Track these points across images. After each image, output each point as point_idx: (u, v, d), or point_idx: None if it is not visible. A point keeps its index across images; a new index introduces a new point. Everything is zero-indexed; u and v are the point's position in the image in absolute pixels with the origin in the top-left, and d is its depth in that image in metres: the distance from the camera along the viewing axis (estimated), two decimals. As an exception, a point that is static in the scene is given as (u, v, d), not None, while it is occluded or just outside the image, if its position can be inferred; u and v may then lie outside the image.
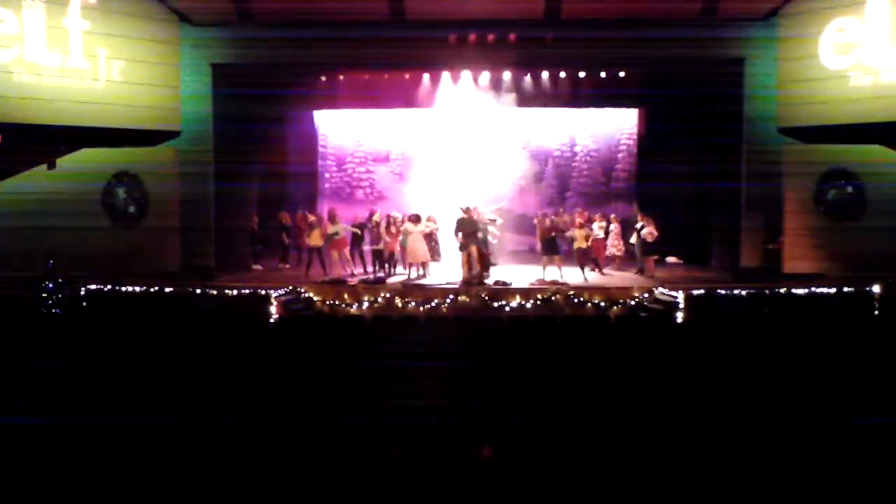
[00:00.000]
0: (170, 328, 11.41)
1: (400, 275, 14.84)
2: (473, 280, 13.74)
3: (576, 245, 14.78)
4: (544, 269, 14.20)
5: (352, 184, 19.90)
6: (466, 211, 14.24)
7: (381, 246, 14.73)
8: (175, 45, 15.05)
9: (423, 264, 14.60)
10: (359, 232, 15.12)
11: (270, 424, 6.21)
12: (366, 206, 17.96)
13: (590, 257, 14.87)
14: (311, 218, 15.87)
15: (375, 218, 15.08)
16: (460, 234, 13.93)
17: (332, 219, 15.05)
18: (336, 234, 14.75)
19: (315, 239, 14.98)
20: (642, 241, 14.90)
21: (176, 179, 14.97)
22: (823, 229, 14.59)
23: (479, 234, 14.13)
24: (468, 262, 13.87)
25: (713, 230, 16.58)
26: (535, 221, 15.05)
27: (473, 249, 13.88)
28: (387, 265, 14.82)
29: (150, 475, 5.24)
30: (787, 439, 5.80)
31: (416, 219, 14.48)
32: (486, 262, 14.19)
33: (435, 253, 15.37)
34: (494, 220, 15.13)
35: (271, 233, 16.88)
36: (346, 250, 15.01)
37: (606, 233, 15.89)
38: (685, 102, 16.44)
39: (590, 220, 15.92)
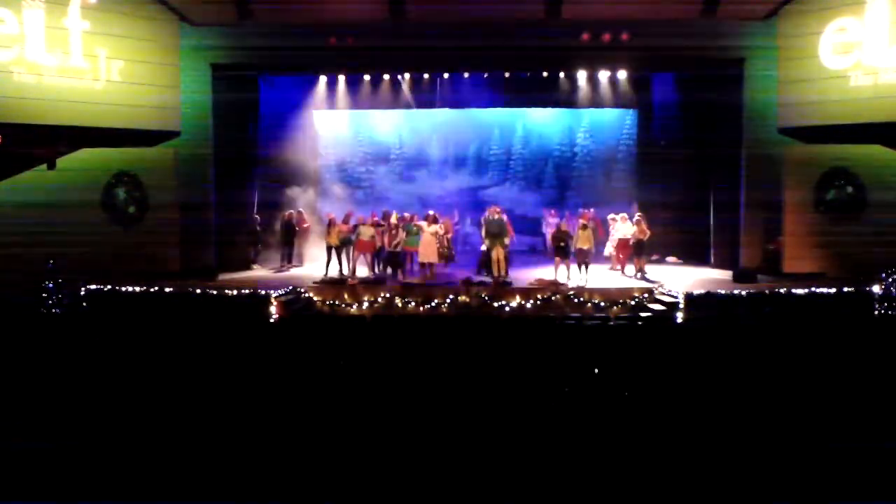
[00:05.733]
0: (166, 331, 11.34)
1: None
2: (499, 280, 13.80)
3: (577, 245, 14.70)
4: (556, 269, 14.35)
5: (352, 184, 19.89)
6: (494, 212, 14.38)
7: (398, 248, 14.75)
8: (175, 45, 15.04)
9: (432, 265, 14.66)
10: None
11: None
12: (366, 207, 17.96)
13: (586, 260, 14.73)
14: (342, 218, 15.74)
15: (393, 220, 15.02)
16: (488, 236, 14.11)
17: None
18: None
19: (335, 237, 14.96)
20: (636, 240, 14.92)
21: (176, 179, 14.96)
22: (823, 229, 14.59)
23: (505, 237, 14.23)
24: (497, 263, 13.95)
25: (713, 230, 16.58)
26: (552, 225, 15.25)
27: (500, 251, 13.95)
28: (398, 266, 14.88)
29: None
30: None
31: (431, 219, 14.55)
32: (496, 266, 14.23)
33: (450, 256, 15.37)
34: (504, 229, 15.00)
35: (278, 232, 16.90)
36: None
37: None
38: (685, 102, 16.47)
39: (600, 222, 16.07)
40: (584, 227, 14.52)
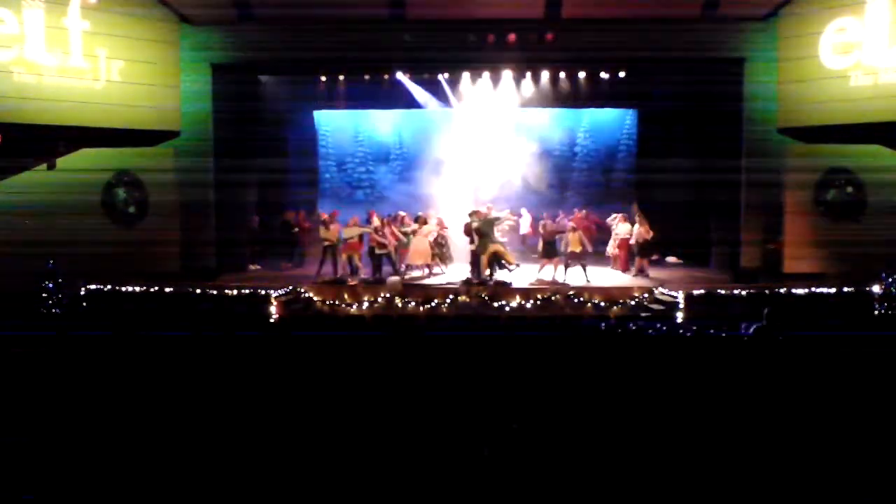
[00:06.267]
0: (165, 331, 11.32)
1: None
2: (489, 281, 13.71)
3: (569, 248, 14.61)
4: (540, 270, 14.29)
5: (352, 184, 19.89)
6: (476, 214, 14.16)
7: (387, 249, 14.69)
8: (175, 45, 15.04)
9: (428, 266, 14.64)
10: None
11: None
12: (366, 207, 17.95)
13: (581, 262, 14.67)
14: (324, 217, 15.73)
15: (375, 221, 14.96)
16: (476, 237, 13.87)
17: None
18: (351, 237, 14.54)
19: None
20: (642, 239, 14.92)
21: (176, 180, 14.96)
22: (823, 229, 14.59)
23: (496, 234, 14.04)
24: (488, 264, 13.75)
25: (713, 230, 16.57)
26: (540, 225, 15.09)
27: (497, 248, 13.74)
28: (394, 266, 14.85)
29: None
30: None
31: (422, 221, 14.54)
32: (503, 259, 14.10)
33: (446, 257, 15.37)
34: (499, 219, 14.86)
35: (278, 232, 16.87)
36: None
37: (629, 233, 15.68)
38: (685, 102, 16.47)
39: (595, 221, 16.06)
40: (574, 229, 14.43)
